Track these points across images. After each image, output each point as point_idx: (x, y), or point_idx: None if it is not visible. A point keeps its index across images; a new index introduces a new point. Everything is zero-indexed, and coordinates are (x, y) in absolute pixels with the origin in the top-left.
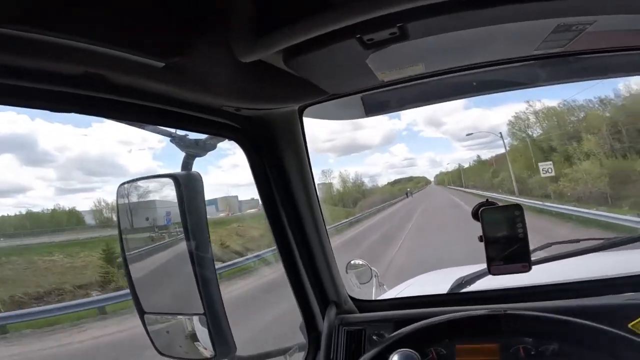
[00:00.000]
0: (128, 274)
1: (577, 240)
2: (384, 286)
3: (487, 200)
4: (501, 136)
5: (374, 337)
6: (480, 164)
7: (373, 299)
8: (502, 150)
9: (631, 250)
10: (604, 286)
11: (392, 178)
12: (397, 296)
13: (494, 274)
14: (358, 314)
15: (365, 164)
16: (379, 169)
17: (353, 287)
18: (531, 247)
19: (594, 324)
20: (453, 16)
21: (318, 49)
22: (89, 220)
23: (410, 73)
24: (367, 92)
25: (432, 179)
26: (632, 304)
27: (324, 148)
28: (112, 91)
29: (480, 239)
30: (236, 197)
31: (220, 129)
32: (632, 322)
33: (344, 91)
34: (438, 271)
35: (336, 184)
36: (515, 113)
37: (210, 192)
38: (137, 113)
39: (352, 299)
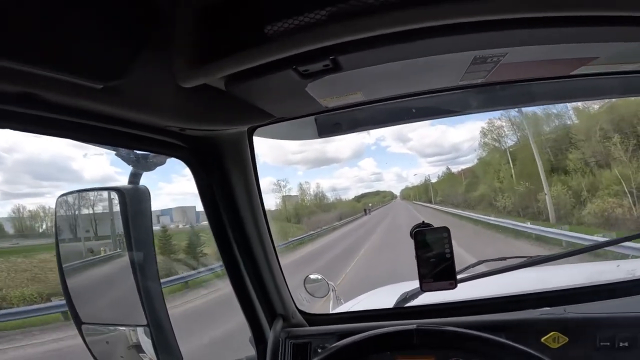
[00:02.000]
0: (64, 284)
1: (504, 258)
2: (341, 299)
3: (422, 222)
4: (520, 112)
5: (319, 350)
6: (449, 176)
7: (330, 312)
8: (465, 166)
9: (550, 267)
10: (524, 301)
11: (360, 192)
12: (348, 310)
13: (424, 290)
14: (306, 327)
15: (334, 177)
16: (347, 182)
17: (303, 301)
18: (465, 265)
19: (496, 338)
20: (379, 50)
21: (259, 77)
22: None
23: (351, 100)
24: (319, 114)
25: (398, 194)
26: (545, 319)
27: (294, 160)
28: (49, 110)
29: (415, 257)
30: (194, 207)
31: (164, 147)
32: (545, 337)
33: (291, 115)
34: (392, 285)
35: (297, 196)
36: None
37: (171, 202)
38: (76, 131)
39: (302, 312)
